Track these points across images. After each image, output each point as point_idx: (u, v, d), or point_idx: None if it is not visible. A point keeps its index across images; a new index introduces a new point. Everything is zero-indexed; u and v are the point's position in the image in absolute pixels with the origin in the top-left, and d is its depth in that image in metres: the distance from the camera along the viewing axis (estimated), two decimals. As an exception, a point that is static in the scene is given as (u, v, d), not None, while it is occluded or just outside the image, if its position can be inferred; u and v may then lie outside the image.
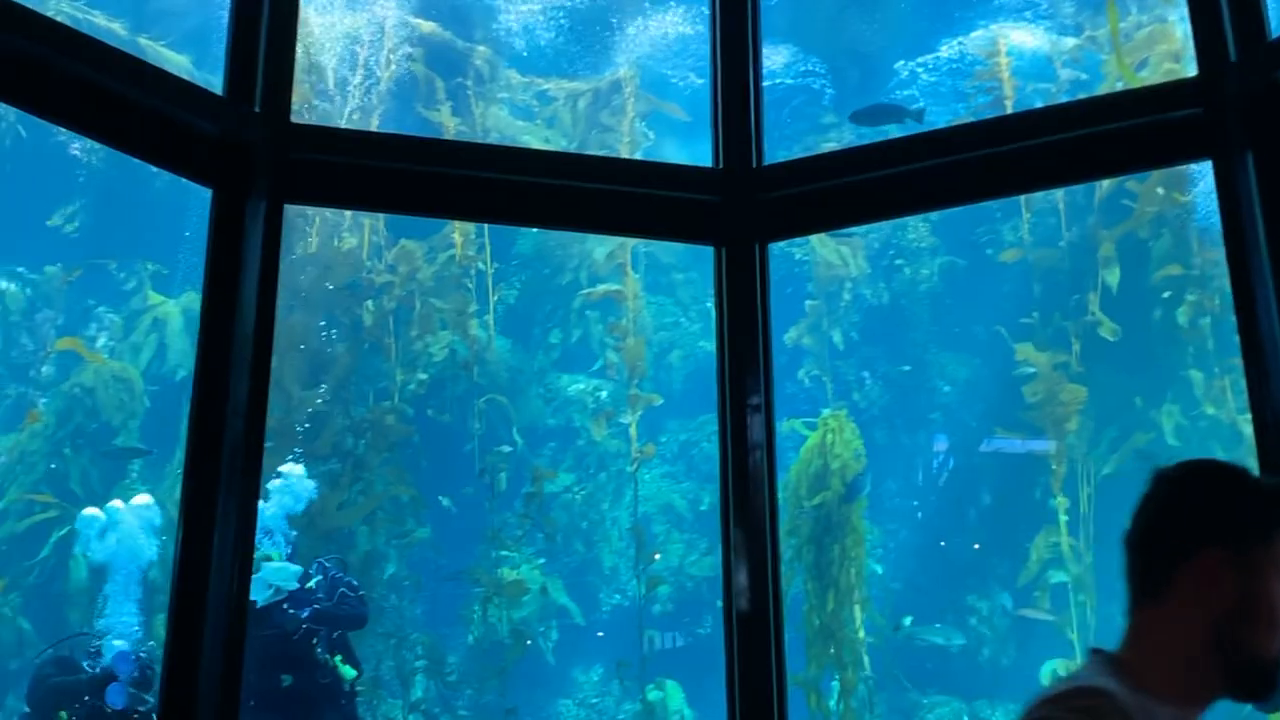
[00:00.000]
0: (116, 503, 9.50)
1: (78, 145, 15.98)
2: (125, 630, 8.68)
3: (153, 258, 15.68)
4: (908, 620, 13.43)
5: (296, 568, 8.55)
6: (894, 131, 15.17)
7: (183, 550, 3.07)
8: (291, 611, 8.36)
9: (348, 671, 8.57)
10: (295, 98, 3.56)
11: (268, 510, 9.16)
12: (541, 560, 15.07)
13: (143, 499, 9.68)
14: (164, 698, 3.03)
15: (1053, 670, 12.62)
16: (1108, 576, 13.84)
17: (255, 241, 3.31)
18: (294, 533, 9.37)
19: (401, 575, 13.83)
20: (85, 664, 8.05)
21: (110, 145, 3.35)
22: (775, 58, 17.56)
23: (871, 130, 15.56)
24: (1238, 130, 3.18)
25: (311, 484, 10.04)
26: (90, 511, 9.43)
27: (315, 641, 8.41)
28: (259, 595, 8.26)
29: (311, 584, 8.56)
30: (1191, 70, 3.35)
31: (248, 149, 3.36)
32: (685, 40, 17.57)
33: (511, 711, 12.87)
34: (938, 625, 13.21)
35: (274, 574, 8.40)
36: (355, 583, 8.93)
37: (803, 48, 17.85)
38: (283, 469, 9.85)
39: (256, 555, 8.51)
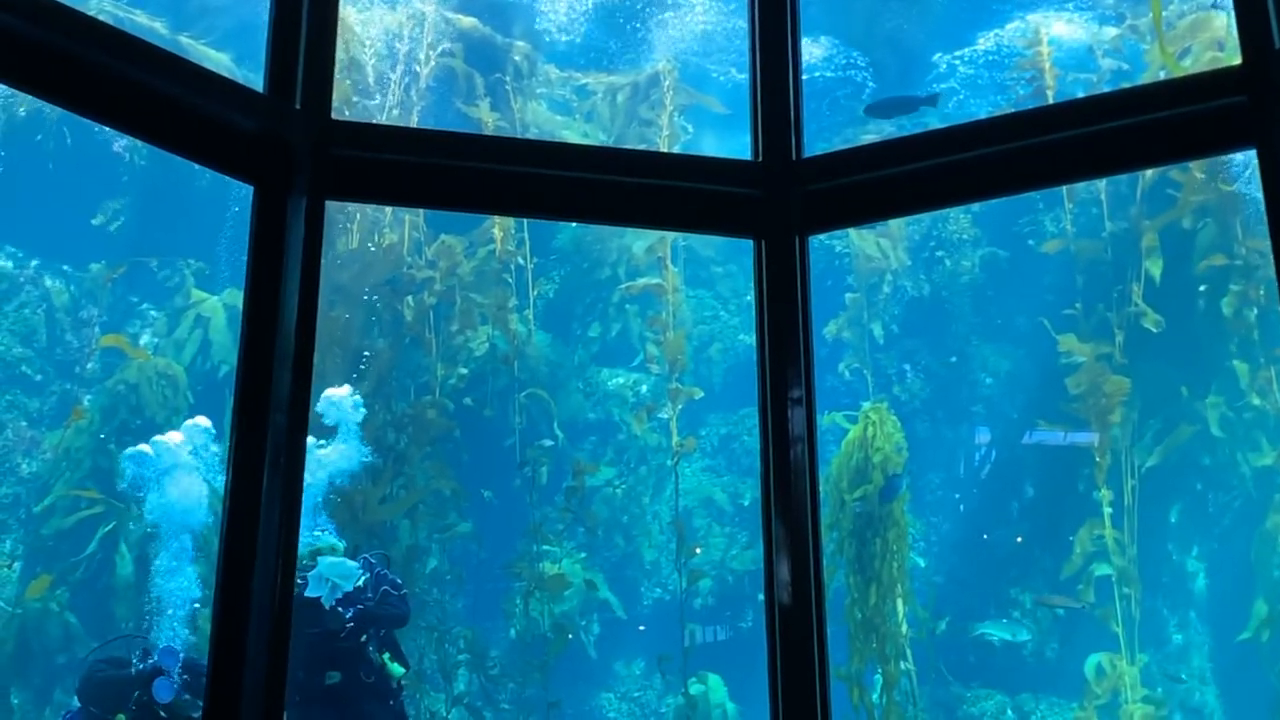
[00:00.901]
0: (170, 436, 9.48)
1: (121, 143, 16.15)
2: (180, 601, 8.78)
3: (196, 255, 15.84)
4: (982, 627, 13.35)
5: (355, 565, 8.57)
6: (915, 121, 15.18)
7: (227, 543, 3.09)
8: (339, 610, 8.40)
9: (396, 669, 8.62)
10: (336, 95, 3.57)
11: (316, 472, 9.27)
12: (583, 554, 15.12)
13: (200, 420, 9.71)
14: (210, 693, 3.05)
15: (1097, 664, 12.52)
16: (1152, 569, 13.75)
17: (297, 237, 3.32)
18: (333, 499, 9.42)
19: (443, 569, 13.91)
20: (135, 660, 8.12)
21: (153, 143, 3.38)
22: (815, 50, 17.55)
23: (911, 121, 15.50)
24: (1283, 118, 3.15)
25: (359, 412, 10.19)
26: (140, 449, 9.43)
27: (365, 639, 8.45)
28: (319, 590, 8.32)
29: (360, 582, 8.59)
30: (1235, 58, 3.31)
31: (288, 145, 3.38)
32: (724, 34, 17.56)
33: (554, 705, 12.91)
34: (1004, 620, 13.12)
35: (332, 569, 8.43)
36: (399, 580, 8.97)
37: (842, 40, 17.81)
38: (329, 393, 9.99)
39: (316, 545, 8.59)
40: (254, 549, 3.09)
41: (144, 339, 15.62)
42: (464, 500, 14.03)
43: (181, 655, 8.07)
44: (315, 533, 8.76)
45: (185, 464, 9.26)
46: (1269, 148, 3.20)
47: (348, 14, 14.14)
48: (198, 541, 9.45)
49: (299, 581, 8.47)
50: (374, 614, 8.52)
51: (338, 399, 10.17)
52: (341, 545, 8.82)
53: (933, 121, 15.69)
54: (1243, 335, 13.18)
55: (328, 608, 8.30)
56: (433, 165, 3.70)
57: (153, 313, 16.01)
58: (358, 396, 10.42)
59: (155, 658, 8.01)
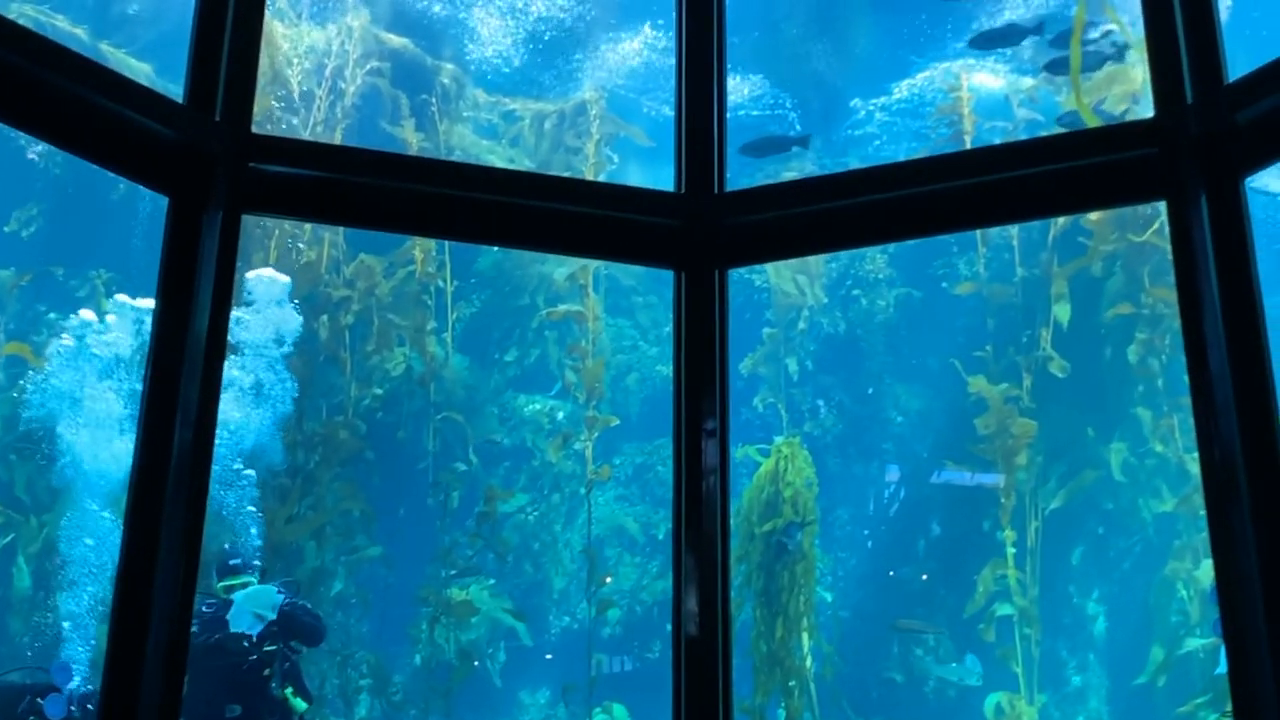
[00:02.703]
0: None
1: (36, 150, 15.82)
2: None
3: (107, 265, 15.53)
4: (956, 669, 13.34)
5: (277, 595, 8.43)
6: (791, 162, 15.43)
7: (127, 562, 3.03)
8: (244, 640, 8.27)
9: (299, 704, 8.50)
10: (258, 109, 3.54)
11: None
12: (491, 581, 15.01)
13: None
14: (103, 711, 2.98)
15: (997, 704, 12.67)
16: (1053, 611, 13.95)
17: (211, 250, 3.29)
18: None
19: (349, 593, 13.72)
20: (24, 674, 7.94)
21: (69, 150, 3.32)
22: (742, 89, 17.72)
23: (833, 162, 15.70)
24: (1193, 172, 3.23)
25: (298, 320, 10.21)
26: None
27: (268, 673, 8.32)
28: (241, 625, 8.20)
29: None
30: (1148, 111, 3.40)
31: (206, 157, 3.35)
32: (658, 69, 17.66)
33: (456, 732, 12.81)
34: (953, 665, 13.18)
35: (253, 600, 8.30)
36: (309, 606, 8.86)
37: (771, 80, 18.00)
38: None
39: (231, 580, 8.46)
40: (153, 570, 3.03)
41: (49, 348, 15.27)
42: (373, 523, 13.87)
43: (75, 673, 7.88)
44: (231, 562, 8.65)
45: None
46: (1178, 200, 3.28)
47: (274, 29, 14.00)
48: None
49: (206, 610, 8.35)
50: (287, 626, 8.40)
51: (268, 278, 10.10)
52: (253, 580, 8.69)
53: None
54: (1147, 383, 13.47)
55: (255, 637, 8.18)
56: (354, 183, 3.68)
57: (59, 322, 15.67)
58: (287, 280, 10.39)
59: (50, 672, 7.83)
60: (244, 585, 8.49)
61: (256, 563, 8.94)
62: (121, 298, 10.00)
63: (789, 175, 14.87)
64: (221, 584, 8.48)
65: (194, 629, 8.08)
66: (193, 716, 8.09)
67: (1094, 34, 12.45)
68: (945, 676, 13.34)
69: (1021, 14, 15.95)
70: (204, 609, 8.38)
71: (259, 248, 13.54)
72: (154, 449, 3.11)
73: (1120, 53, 12.51)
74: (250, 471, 9.47)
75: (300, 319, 11.27)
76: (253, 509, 9.52)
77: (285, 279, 10.57)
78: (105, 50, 15.07)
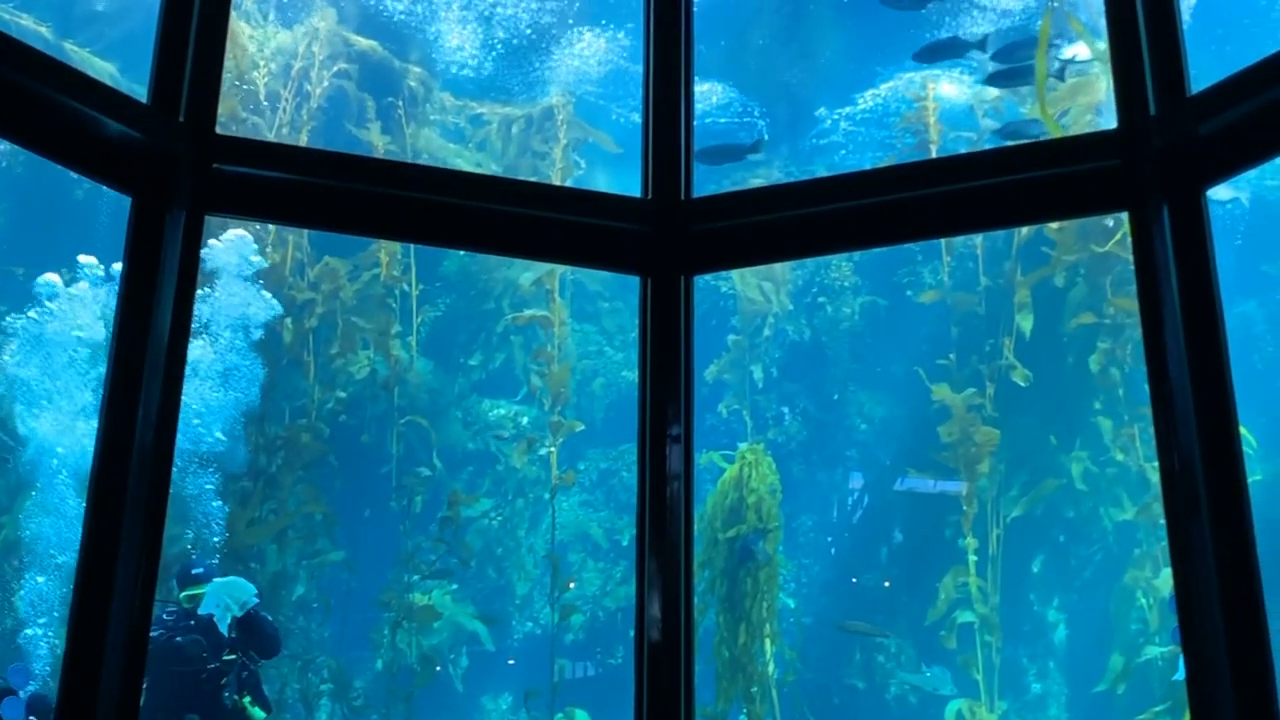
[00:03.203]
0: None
1: (-3, 149, 15.67)
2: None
3: (67, 265, 15.37)
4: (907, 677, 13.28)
5: (251, 589, 8.38)
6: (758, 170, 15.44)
7: (86, 564, 3.00)
8: (200, 641, 8.21)
9: (257, 713, 8.44)
10: (223, 110, 3.52)
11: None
12: (454, 586, 14.95)
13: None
14: (60, 713, 2.95)
15: (958, 711, 12.72)
16: (1013, 618, 14.02)
17: (174, 251, 3.26)
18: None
19: (311, 597, 13.64)
20: None
21: (31, 149, 3.29)
22: (710, 97, 17.75)
23: (799, 170, 15.74)
24: (1155, 183, 3.25)
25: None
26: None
27: (225, 681, 8.27)
28: (210, 608, 8.14)
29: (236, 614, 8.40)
30: (1112, 122, 3.43)
31: (170, 157, 3.32)
32: (622, 75, 17.67)
33: (417, 738, 12.76)
34: (928, 673, 13.18)
35: (228, 589, 8.24)
36: (270, 618, 8.81)
37: (737, 88, 18.04)
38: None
39: (194, 590, 8.38)
40: (113, 570, 3.01)
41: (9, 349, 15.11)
42: (336, 526, 13.79)
43: (33, 676, 7.81)
44: (194, 571, 8.59)
45: None
46: (1141, 211, 3.31)
47: (240, 29, 13.92)
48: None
49: (167, 618, 8.29)
50: (248, 635, 8.36)
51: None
52: (212, 586, 8.63)
53: (818, 169, 15.97)
54: (1108, 392, 13.56)
55: (210, 647, 8.13)
56: (319, 185, 3.67)
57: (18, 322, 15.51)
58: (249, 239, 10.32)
59: (6, 676, 7.75)
60: (204, 594, 8.42)
61: (214, 563, 8.88)
62: (86, 259, 9.86)
63: (756, 182, 14.91)
64: (184, 593, 8.41)
65: (155, 634, 8.04)
66: None
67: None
68: (920, 685, 13.35)
69: (983, 28, 16.05)
70: (164, 616, 8.32)
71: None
72: (115, 449, 3.08)
73: (1062, 72, 12.66)
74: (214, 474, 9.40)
75: (271, 299, 11.12)
76: (212, 490, 9.43)
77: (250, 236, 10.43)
78: (69, 49, 14.94)
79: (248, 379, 10.57)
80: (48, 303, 9.50)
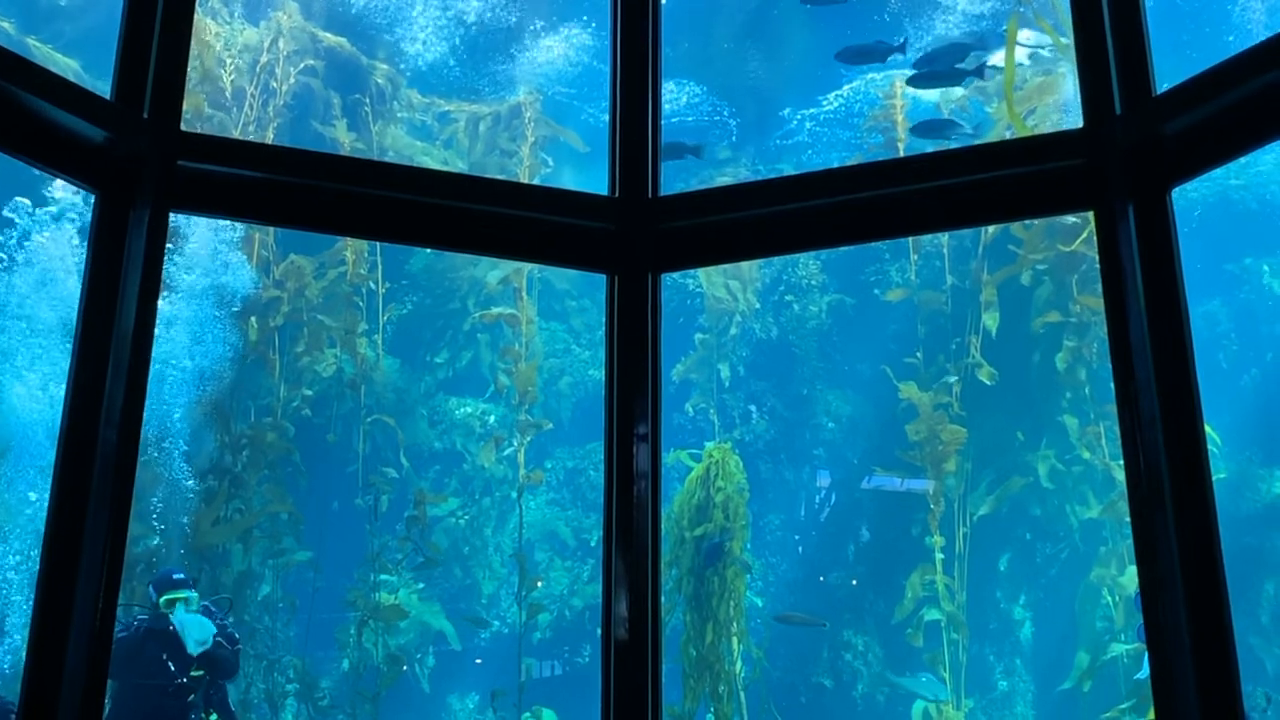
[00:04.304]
0: None
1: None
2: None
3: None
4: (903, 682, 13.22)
5: (212, 626, 8.34)
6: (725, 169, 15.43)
7: (48, 563, 2.97)
8: (168, 663, 8.16)
9: None
10: (188, 107, 3.49)
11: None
12: (421, 585, 14.91)
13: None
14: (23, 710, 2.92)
15: (924, 709, 12.78)
16: (980, 616, 14.10)
17: (138, 248, 3.24)
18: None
19: (276, 596, 13.56)
20: None
21: (-9, 144, 3.26)
22: (680, 97, 17.77)
23: (767, 169, 15.76)
24: (1120, 182, 3.27)
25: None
26: None
27: (191, 699, 8.23)
28: (192, 647, 8.14)
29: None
30: (1078, 121, 3.44)
31: (134, 155, 3.29)
32: (590, 74, 17.66)
33: (384, 738, 12.71)
34: (924, 678, 13.17)
35: (189, 627, 8.21)
36: (235, 634, 8.75)
37: (705, 87, 18.08)
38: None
39: (173, 594, 8.33)
40: (77, 570, 2.98)
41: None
42: (301, 525, 13.72)
43: None
44: (175, 577, 8.53)
45: None
46: (1106, 211, 3.32)
47: (206, 26, 13.82)
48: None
49: (137, 624, 8.25)
50: (209, 663, 8.32)
51: None
52: (194, 595, 8.58)
53: (785, 167, 16.00)
54: (1074, 391, 13.65)
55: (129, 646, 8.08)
56: (285, 183, 3.64)
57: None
58: None
59: None
60: (184, 600, 8.37)
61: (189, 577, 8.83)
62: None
63: (723, 181, 14.92)
64: (163, 598, 8.35)
65: (125, 635, 8.00)
66: None
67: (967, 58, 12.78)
68: (915, 690, 13.32)
69: (952, 34, 16.14)
70: (134, 622, 8.26)
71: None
72: (78, 445, 3.05)
73: (980, 70, 12.81)
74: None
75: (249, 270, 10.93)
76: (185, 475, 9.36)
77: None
78: (32, 45, 14.80)
79: (219, 348, 10.37)
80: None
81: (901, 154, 13.87)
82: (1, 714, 7.59)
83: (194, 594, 8.53)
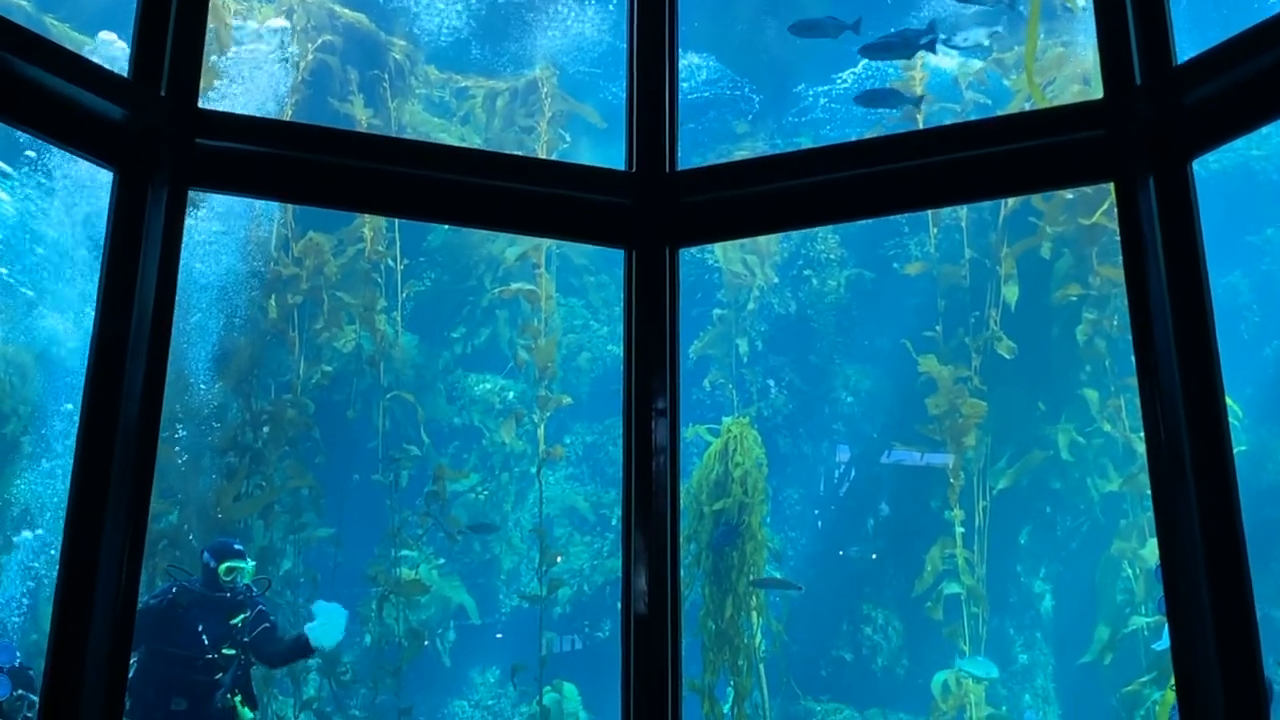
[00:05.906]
0: None
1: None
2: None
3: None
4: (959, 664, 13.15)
5: (343, 622, 8.47)
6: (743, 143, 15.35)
7: (70, 540, 2.99)
8: (202, 635, 8.22)
9: (245, 713, 8.45)
10: (205, 84, 3.50)
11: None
12: (441, 560, 14.97)
13: None
14: (46, 696, 2.95)
15: (944, 682, 12.78)
16: (1000, 590, 14.09)
17: (157, 226, 3.25)
18: None
19: (298, 572, 13.64)
20: None
21: (10, 124, 3.27)
22: (699, 74, 17.70)
23: (785, 143, 15.69)
24: (1140, 154, 3.25)
25: None
26: None
27: (219, 676, 8.27)
28: (322, 640, 8.28)
29: (238, 620, 8.42)
30: (1098, 93, 3.42)
31: (152, 133, 3.30)
32: (609, 49, 17.60)
33: (406, 712, 12.77)
34: (980, 658, 13.13)
35: (324, 626, 8.33)
36: (274, 619, 8.81)
37: (722, 61, 18.00)
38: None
39: (233, 563, 8.42)
40: (98, 547, 3.00)
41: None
42: (322, 501, 13.78)
43: (18, 653, 7.82)
44: (236, 546, 8.62)
45: None
46: (1126, 182, 3.30)
47: (222, 2, 13.81)
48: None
49: (180, 587, 8.32)
50: (243, 655, 8.38)
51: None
52: (251, 566, 8.68)
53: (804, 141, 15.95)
54: (1094, 363, 13.59)
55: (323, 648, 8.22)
56: (303, 160, 3.65)
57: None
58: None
59: None
60: (241, 569, 8.47)
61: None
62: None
63: (742, 156, 14.88)
64: (224, 565, 8.42)
65: (173, 596, 8.07)
66: (140, 700, 8.04)
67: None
68: (971, 670, 13.25)
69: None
70: (174, 587, 8.33)
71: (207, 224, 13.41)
72: (99, 425, 3.07)
73: (932, 45, 12.71)
74: None
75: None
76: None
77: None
78: (50, 24, 14.82)
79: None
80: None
81: (921, 126, 13.79)
82: (21, 680, 7.69)
83: (251, 564, 8.66)
